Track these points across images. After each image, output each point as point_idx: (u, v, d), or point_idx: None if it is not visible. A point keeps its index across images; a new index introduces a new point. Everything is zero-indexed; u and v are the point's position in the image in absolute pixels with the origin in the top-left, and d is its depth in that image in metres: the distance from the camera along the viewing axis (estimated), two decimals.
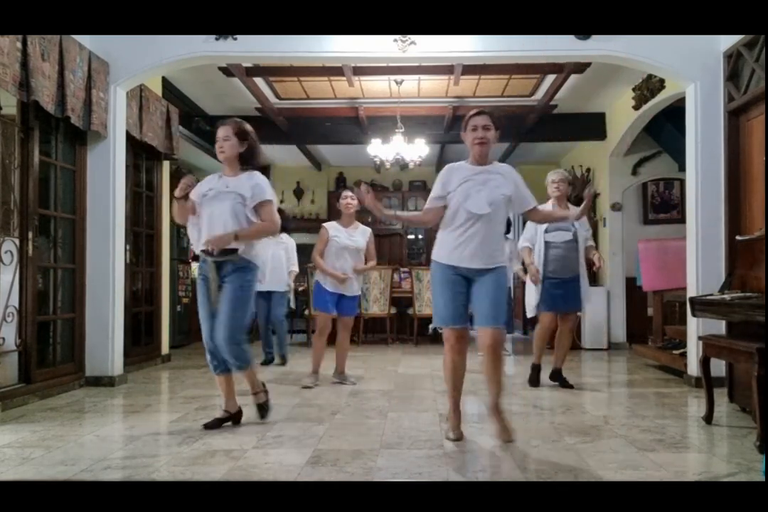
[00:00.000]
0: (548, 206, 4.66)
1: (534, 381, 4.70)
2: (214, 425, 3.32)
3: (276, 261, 5.75)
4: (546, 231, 4.59)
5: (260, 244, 3.38)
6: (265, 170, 10.60)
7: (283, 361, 5.89)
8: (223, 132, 3.30)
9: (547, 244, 4.59)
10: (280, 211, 6.05)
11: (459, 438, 3.06)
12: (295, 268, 5.87)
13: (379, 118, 7.74)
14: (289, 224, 6.26)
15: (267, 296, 5.82)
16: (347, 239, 4.76)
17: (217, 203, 3.24)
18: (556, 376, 4.69)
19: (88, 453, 2.84)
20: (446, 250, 3.11)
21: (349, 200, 4.81)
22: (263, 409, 3.48)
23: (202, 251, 3.25)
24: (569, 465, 2.65)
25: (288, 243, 5.90)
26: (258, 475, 2.51)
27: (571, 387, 4.57)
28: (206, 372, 5.42)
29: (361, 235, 4.83)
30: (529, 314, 4.93)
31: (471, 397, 4.24)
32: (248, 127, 3.39)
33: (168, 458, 2.75)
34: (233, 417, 3.42)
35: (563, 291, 4.56)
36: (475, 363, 6.05)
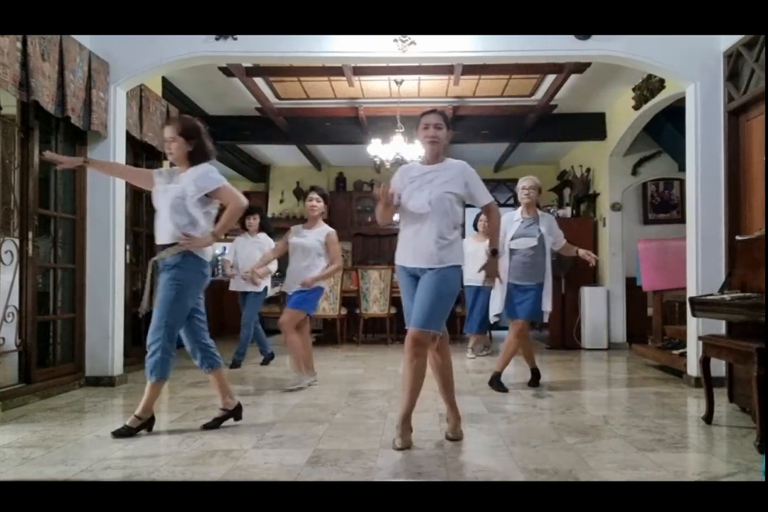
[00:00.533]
0: (516, 213, 4.64)
1: (534, 382, 4.70)
2: (214, 425, 3.32)
3: (250, 262, 5.60)
4: (512, 238, 4.51)
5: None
6: (265, 170, 10.62)
7: (233, 365, 5.56)
8: (168, 133, 3.22)
9: (511, 251, 4.51)
10: (258, 210, 5.99)
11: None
12: (272, 267, 5.65)
13: (379, 118, 7.74)
14: (269, 224, 6.13)
15: (243, 297, 5.80)
16: (296, 237, 4.61)
17: (161, 200, 3.22)
18: (495, 380, 4.50)
19: (88, 453, 2.84)
20: (398, 250, 3.13)
21: (314, 202, 4.60)
22: (122, 434, 3.13)
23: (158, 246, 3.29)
24: (569, 465, 2.65)
25: (264, 242, 5.82)
26: (258, 475, 2.51)
27: (505, 391, 4.44)
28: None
29: (314, 235, 4.59)
30: (491, 320, 4.85)
31: (470, 397, 4.24)
32: (195, 123, 3.30)
33: (168, 458, 2.75)
34: (232, 414, 3.41)
35: (524, 299, 4.47)
36: (477, 363, 6.08)
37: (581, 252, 4.67)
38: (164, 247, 3.19)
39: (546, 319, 4.73)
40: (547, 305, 4.51)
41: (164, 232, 3.20)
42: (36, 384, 4.08)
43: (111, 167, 4.02)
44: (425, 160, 3.17)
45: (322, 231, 4.62)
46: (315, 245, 4.56)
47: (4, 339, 3.87)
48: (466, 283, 6.72)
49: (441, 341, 3.10)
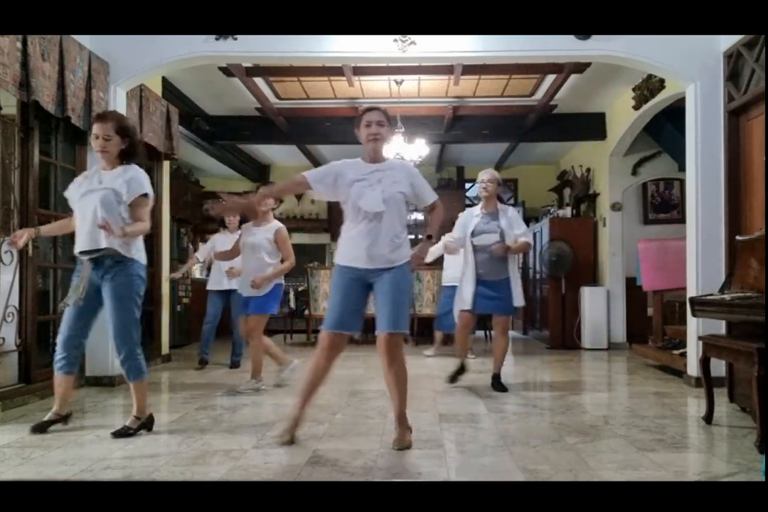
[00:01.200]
0: (476, 209, 4.58)
1: (453, 379, 4.57)
2: (42, 428, 3.16)
3: (235, 260, 5.43)
4: (473, 234, 4.45)
5: (138, 243, 3.18)
6: (265, 170, 10.62)
7: (233, 366, 5.63)
8: (102, 130, 3.07)
9: (474, 247, 4.45)
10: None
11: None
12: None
13: None
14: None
15: (225, 296, 5.68)
16: (247, 236, 4.46)
17: (84, 203, 3.09)
18: (496, 382, 4.50)
19: (88, 453, 2.83)
20: (345, 251, 3.04)
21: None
22: (121, 434, 3.11)
23: (79, 253, 3.12)
24: (569, 465, 2.65)
25: None
26: (258, 475, 2.51)
27: (505, 390, 4.42)
28: (206, 372, 5.44)
29: (263, 233, 4.42)
30: (465, 306, 4.54)
31: (470, 397, 4.24)
32: (129, 122, 3.24)
33: (168, 458, 2.75)
34: (63, 419, 3.25)
35: (494, 294, 4.40)
36: (477, 363, 6.07)
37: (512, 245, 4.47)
38: (90, 252, 3.07)
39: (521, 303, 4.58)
40: (518, 300, 4.43)
41: (94, 235, 3.03)
42: (36, 384, 4.07)
43: (61, 225, 3.58)
44: (368, 158, 3.09)
45: (270, 228, 4.45)
46: (263, 243, 4.40)
47: (4, 339, 3.87)
48: (445, 283, 6.68)
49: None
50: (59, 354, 3.14)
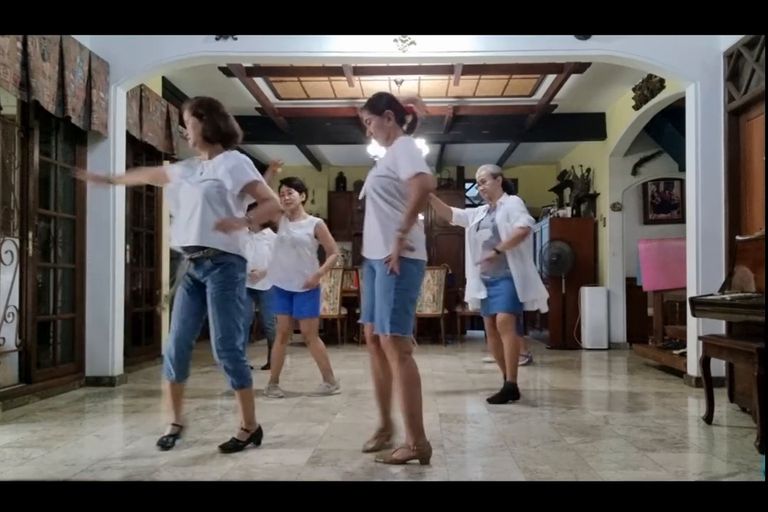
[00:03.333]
0: (487, 205, 4.38)
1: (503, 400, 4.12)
2: (168, 443, 2.92)
3: (259, 258, 5.30)
4: (477, 228, 4.28)
5: (244, 236, 2.96)
6: (265, 169, 10.59)
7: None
8: (184, 116, 2.91)
9: (475, 241, 4.28)
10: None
11: (376, 449, 2.84)
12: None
13: None
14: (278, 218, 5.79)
15: (249, 296, 5.35)
16: (284, 232, 4.34)
17: (188, 194, 2.82)
18: (506, 390, 4.14)
19: (88, 453, 2.84)
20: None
21: (285, 196, 4.34)
22: (229, 448, 2.86)
23: (182, 248, 2.85)
24: (569, 465, 2.65)
25: (270, 238, 5.33)
26: (258, 475, 2.51)
27: (516, 398, 4.13)
28: (207, 372, 5.44)
29: (303, 228, 4.35)
30: (474, 306, 4.39)
31: (471, 397, 4.25)
32: (205, 100, 2.90)
33: (168, 458, 2.75)
34: (180, 431, 3.01)
35: (495, 293, 4.18)
36: (477, 363, 6.07)
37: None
38: (189, 249, 2.82)
39: (542, 308, 4.34)
40: (523, 296, 4.11)
41: (193, 230, 2.78)
42: (36, 384, 4.08)
43: (133, 175, 3.67)
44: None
45: (311, 222, 4.41)
46: (305, 239, 4.34)
47: (4, 339, 3.87)
48: None
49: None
50: (166, 359, 2.93)
